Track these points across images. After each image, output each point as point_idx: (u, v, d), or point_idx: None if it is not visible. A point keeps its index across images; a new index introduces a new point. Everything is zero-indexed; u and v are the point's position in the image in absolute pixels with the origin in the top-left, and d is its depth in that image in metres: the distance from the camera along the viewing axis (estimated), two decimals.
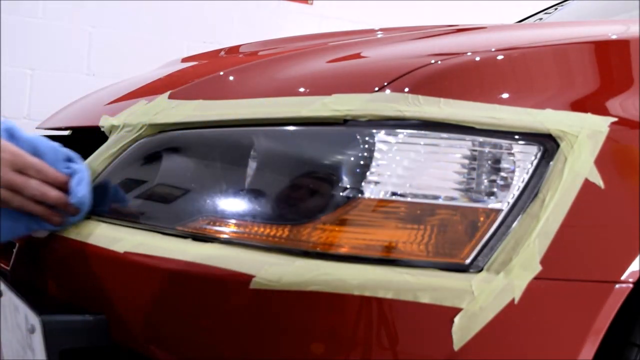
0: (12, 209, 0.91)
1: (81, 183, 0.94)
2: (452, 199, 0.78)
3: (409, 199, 0.78)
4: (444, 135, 0.79)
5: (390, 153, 0.79)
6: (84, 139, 1.27)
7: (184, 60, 1.57)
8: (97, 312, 0.88)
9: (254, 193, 0.83)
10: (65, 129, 1.35)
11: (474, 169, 0.79)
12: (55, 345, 0.86)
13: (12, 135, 0.93)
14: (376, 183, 0.78)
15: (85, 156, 1.04)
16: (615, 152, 0.80)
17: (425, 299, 0.74)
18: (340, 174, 0.79)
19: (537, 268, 0.75)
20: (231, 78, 1.02)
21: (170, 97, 0.99)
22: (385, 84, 0.82)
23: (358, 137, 0.80)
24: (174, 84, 1.04)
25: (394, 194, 0.78)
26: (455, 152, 0.79)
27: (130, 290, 0.87)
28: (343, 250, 0.77)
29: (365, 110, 0.80)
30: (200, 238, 0.84)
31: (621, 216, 0.78)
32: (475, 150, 0.79)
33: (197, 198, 0.87)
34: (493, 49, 0.87)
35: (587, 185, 0.78)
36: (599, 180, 0.78)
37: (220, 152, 0.89)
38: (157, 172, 0.93)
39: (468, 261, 0.76)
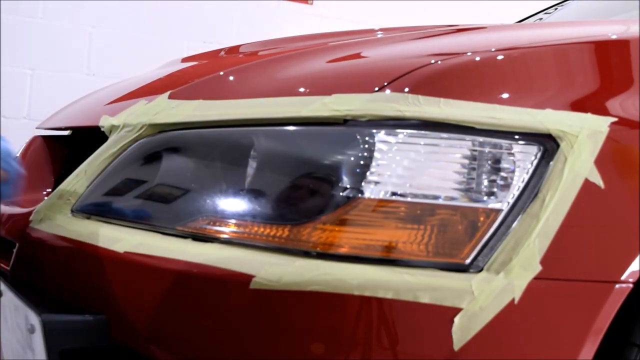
0: None
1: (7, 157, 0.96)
2: (452, 199, 0.78)
3: (409, 199, 0.78)
4: (444, 135, 0.79)
5: (390, 153, 0.79)
6: (84, 139, 1.27)
7: (184, 60, 1.57)
8: (97, 312, 0.88)
9: (254, 193, 0.83)
10: (65, 129, 1.35)
11: (474, 169, 0.79)
12: (55, 345, 0.86)
13: None
14: (376, 183, 0.78)
15: (85, 156, 1.04)
16: (615, 152, 0.80)
17: (425, 299, 0.74)
18: (340, 174, 0.79)
19: (537, 268, 0.75)
20: (231, 78, 1.02)
21: (170, 97, 0.99)
22: (385, 84, 0.82)
23: (358, 137, 0.80)
24: (174, 84, 1.04)
25: (394, 194, 0.78)
26: (455, 152, 0.79)
27: (130, 290, 0.87)
28: (343, 250, 0.77)
29: (365, 110, 0.80)
30: (200, 238, 0.84)
31: (621, 216, 0.78)
32: (475, 150, 0.79)
33: (197, 198, 0.87)
34: (493, 49, 0.87)
35: (587, 185, 0.78)
36: (599, 180, 0.78)
37: (220, 152, 0.89)
38: (157, 172, 0.93)
39: (468, 261, 0.76)
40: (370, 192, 0.78)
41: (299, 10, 3.92)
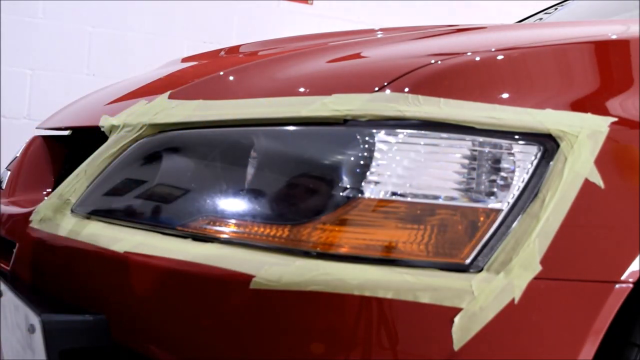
0: None
1: None
2: (452, 199, 0.78)
3: (409, 199, 0.78)
4: (444, 135, 0.79)
5: (390, 153, 0.79)
6: (84, 139, 1.27)
7: (184, 60, 1.58)
8: (97, 312, 0.88)
9: (254, 193, 0.83)
10: (65, 129, 1.35)
11: (474, 169, 0.79)
12: (55, 345, 0.86)
13: None
14: (376, 183, 0.78)
15: (85, 156, 1.04)
16: (615, 152, 0.80)
17: (425, 299, 0.74)
18: (340, 174, 0.79)
19: (537, 268, 0.75)
20: (231, 78, 1.02)
21: (170, 97, 0.99)
22: (385, 84, 0.82)
23: (358, 137, 0.80)
24: (174, 84, 1.04)
25: (394, 194, 0.78)
26: (455, 152, 0.79)
27: (130, 290, 0.87)
28: (343, 250, 0.77)
29: (365, 110, 0.80)
30: (200, 238, 0.84)
31: (621, 216, 0.78)
32: (475, 150, 0.79)
33: (197, 198, 0.87)
34: (493, 49, 0.87)
35: (587, 185, 0.78)
36: (599, 180, 0.78)
37: (220, 152, 0.89)
38: (157, 172, 0.93)
39: (468, 261, 0.76)
40: (370, 192, 0.78)
41: (299, 10, 3.92)
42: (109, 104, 1.18)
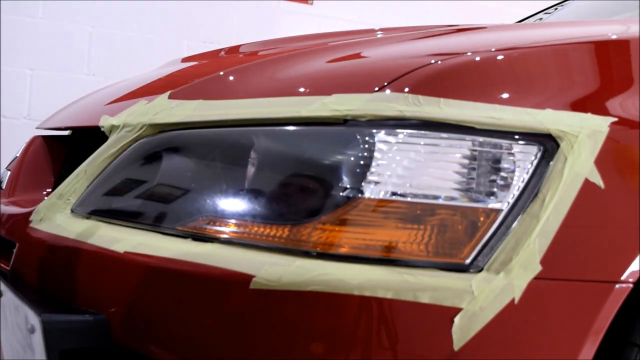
0: None
1: None
2: (452, 199, 0.78)
3: (409, 199, 0.78)
4: (444, 135, 0.79)
5: (390, 153, 0.79)
6: (84, 139, 1.27)
7: (184, 60, 1.58)
8: (97, 312, 0.88)
9: (254, 193, 0.83)
10: (65, 129, 1.35)
11: (474, 169, 0.79)
12: (55, 345, 0.86)
13: None
14: (376, 183, 0.78)
15: (85, 156, 1.04)
16: (615, 152, 0.80)
17: (425, 299, 0.74)
18: (340, 174, 0.79)
19: (537, 268, 0.75)
20: (231, 78, 1.02)
21: (170, 97, 0.99)
22: (385, 84, 0.82)
23: (358, 137, 0.80)
24: (174, 84, 1.04)
25: (394, 194, 0.78)
26: (455, 152, 0.79)
27: (130, 290, 0.87)
28: (343, 250, 0.77)
29: (365, 110, 0.80)
30: (200, 238, 0.84)
31: (621, 216, 0.78)
32: (475, 150, 0.79)
33: (197, 198, 0.87)
34: (493, 49, 0.87)
35: (587, 185, 0.78)
36: (599, 180, 0.78)
37: (220, 152, 0.89)
38: (157, 172, 0.93)
39: (468, 261, 0.76)
40: (370, 192, 0.78)
41: (299, 10, 3.92)
42: (109, 104, 1.18)
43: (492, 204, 0.78)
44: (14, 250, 1.05)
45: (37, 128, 1.50)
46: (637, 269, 0.77)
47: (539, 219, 0.76)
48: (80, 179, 1.01)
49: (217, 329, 0.80)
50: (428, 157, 0.79)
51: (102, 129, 1.04)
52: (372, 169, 0.79)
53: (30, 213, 1.04)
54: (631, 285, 0.77)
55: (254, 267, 0.78)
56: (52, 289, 0.98)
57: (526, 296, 0.74)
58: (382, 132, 0.79)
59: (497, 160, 0.79)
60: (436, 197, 0.78)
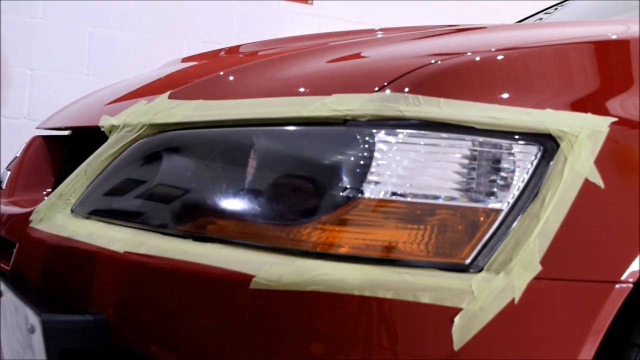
0: None
1: None
2: (452, 199, 0.78)
3: (409, 199, 0.78)
4: (444, 135, 0.79)
5: (390, 153, 0.79)
6: (84, 139, 1.27)
7: (184, 60, 1.57)
8: (97, 312, 0.88)
9: (254, 193, 0.83)
10: (65, 129, 1.35)
11: (474, 169, 0.79)
12: (55, 345, 0.86)
13: None
14: (376, 183, 0.78)
15: (85, 156, 1.04)
16: (615, 152, 0.80)
17: (425, 299, 0.74)
18: (340, 174, 0.79)
19: (537, 268, 0.75)
20: (231, 78, 1.02)
21: (170, 97, 0.99)
22: (385, 84, 0.82)
23: (358, 137, 0.80)
24: (174, 84, 1.04)
25: (394, 194, 0.78)
26: (455, 152, 0.79)
27: (130, 290, 0.87)
28: (343, 250, 0.77)
29: (365, 110, 0.80)
30: (200, 238, 0.84)
31: (621, 216, 0.78)
32: (475, 150, 0.79)
33: (197, 198, 0.87)
34: (493, 49, 0.87)
35: (587, 185, 0.78)
36: (599, 180, 0.78)
37: (220, 152, 0.89)
38: (157, 172, 0.93)
39: (468, 261, 0.76)
40: (370, 192, 0.78)
41: (299, 10, 3.92)
42: (109, 104, 1.18)
43: (492, 204, 0.78)
44: (14, 250, 1.05)
45: (37, 128, 1.50)
46: (637, 269, 0.77)
47: (539, 219, 0.76)
48: (80, 179, 1.01)
49: (217, 329, 0.80)
50: (428, 157, 0.79)
51: (102, 129, 1.04)
52: (372, 169, 0.79)
53: (30, 213, 1.04)
54: (631, 285, 0.77)
55: (254, 267, 0.78)
56: (52, 289, 0.98)
57: (526, 296, 0.74)
58: (382, 132, 0.79)
59: (497, 160, 0.79)
60: (436, 197, 0.78)
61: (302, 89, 0.89)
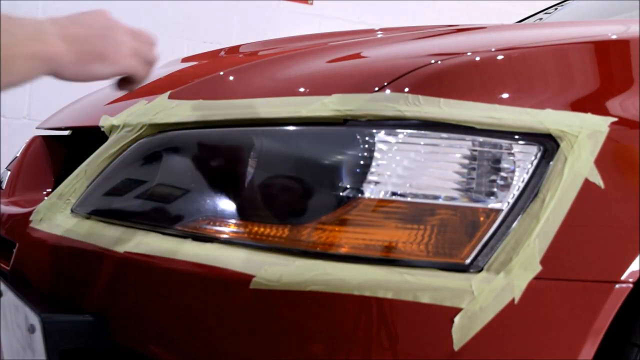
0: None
1: None
2: (452, 199, 0.78)
3: (409, 199, 0.78)
4: (444, 135, 0.79)
5: (390, 153, 0.79)
6: (84, 139, 1.27)
7: (184, 60, 1.57)
8: (97, 312, 0.88)
9: (254, 193, 0.83)
10: (65, 129, 1.35)
11: (474, 169, 0.79)
12: (55, 345, 0.86)
13: None
14: (376, 183, 0.78)
15: (85, 156, 1.04)
16: (615, 152, 0.80)
17: (425, 299, 0.74)
18: (340, 174, 0.79)
19: (537, 268, 0.75)
20: (231, 78, 1.02)
21: (170, 97, 0.99)
22: (385, 84, 0.82)
23: (358, 137, 0.80)
24: (174, 84, 1.04)
25: (394, 194, 0.78)
26: (455, 152, 0.79)
27: (130, 290, 0.87)
28: (343, 250, 0.77)
29: (365, 110, 0.80)
30: (200, 238, 0.84)
31: (621, 216, 0.78)
32: (475, 150, 0.79)
33: (197, 198, 0.87)
34: (493, 49, 0.87)
35: (587, 185, 0.78)
36: (599, 180, 0.78)
37: (220, 152, 0.89)
38: (157, 172, 0.93)
39: (468, 261, 0.76)
40: (370, 192, 0.78)
41: (299, 10, 3.92)
42: (109, 104, 1.18)
43: (492, 204, 0.78)
44: (14, 250, 1.05)
45: (37, 128, 1.50)
46: (637, 269, 0.77)
47: (539, 219, 0.76)
48: (80, 179, 1.01)
49: (217, 329, 0.80)
50: (428, 157, 0.79)
51: (102, 129, 1.04)
52: (372, 169, 0.79)
53: (30, 213, 1.04)
54: (631, 285, 0.77)
55: (254, 267, 0.78)
56: (52, 289, 0.98)
57: (526, 296, 0.74)
58: (382, 132, 0.79)
59: (497, 160, 0.79)
60: (436, 197, 0.78)
61: (302, 89, 0.89)
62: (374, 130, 0.80)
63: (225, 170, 0.87)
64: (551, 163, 0.79)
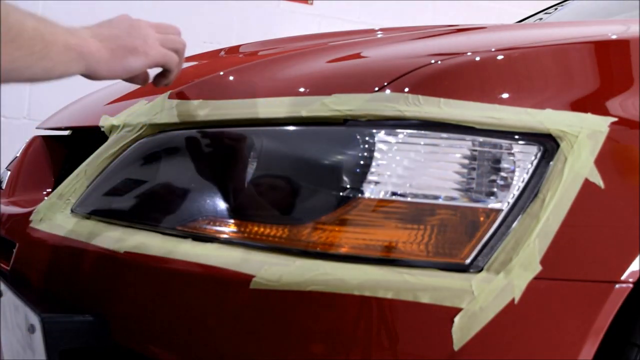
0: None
1: None
2: (452, 199, 0.78)
3: (409, 199, 0.78)
4: (444, 135, 0.79)
5: (390, 153, 0.79)
6: (84, 139, 1.27)
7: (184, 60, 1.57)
8: (97, 312, 0.88)
9: (254, 193, 0.83)
10: (65, 129, 1.35)
11: (474, 169, 0.79)
12: (55, 345, 0.86)
13: None
14: (376, 183, 0.78)
15: (85, 156, 1.04)
16: (615, 152, 0.80)
17: (425, 299, 0.74)
18: (340, 174, 0.79)
19: (537, 268, 0.75)
20: (231, 78, 1.02)
21: (170, 97, 0.99)
22: (385, 84, 0.82)
23: (358, 137, 0.80)
24: (174, 84, 1.04)
25: (394, 194, 0.78)
26: (455, 152, 0.79)
27: (131, 290, 0.87)
28: (343, 250, 0.77)
29: (365, 110, 0.80)
30: (200, 238, 0.84)
31: (621, 216, 0.78)
32: (475, 150, 0.79)
33: (197, 198, 0.87)
34: (493, 49, 0.87)
35: (587, 185, 0.78)
36: (599, 180, 0.78)
37: (220, 152, 0.89)
38: (157, 172, 0.93)
39: (468, 261, 0.76)
40: (370, 192, 0.78)
41: (299, 10, 3.92)
42: (109, 104, 1.18)
43: (492, 204, 0.78)
44: (14, 250, 1.05)
45: (37, 128, 1.50)
46: (637, 269, 0.77)
47: (539, 219, 0.76)
48: (80, 179, 1.01)
49: (217, 329, 0.80)
50: (428, 157, 0.79)
51: (102, 129, 1.04)
52: (372, 169, 0.79)
53: (30, 213, 1.04)
54: (631, 285, 0.77)
55: (254, 267, 0.78)
56: (52, 289, 0.98)
57: (526, 296, 0.74)
58: (382, 132, 0.79)
59: (497, 160, 0.79)
60: (436, 197, 0.78)
61: (302, 89, 0.89)
62: (374, 130, 0.80)
63: (225, 170, 0.87)
64: (551, 163, 0.79)
